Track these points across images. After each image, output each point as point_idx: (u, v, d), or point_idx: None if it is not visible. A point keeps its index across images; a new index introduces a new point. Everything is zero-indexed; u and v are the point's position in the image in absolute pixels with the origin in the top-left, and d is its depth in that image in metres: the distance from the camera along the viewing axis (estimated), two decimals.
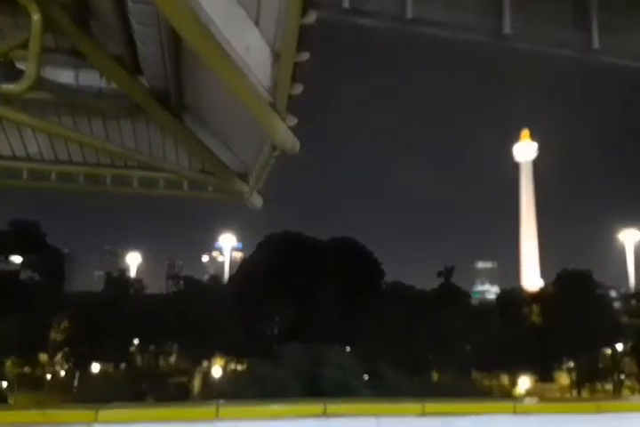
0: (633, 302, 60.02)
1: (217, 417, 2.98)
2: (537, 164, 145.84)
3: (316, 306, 49.60)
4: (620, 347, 58.30)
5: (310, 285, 52.26)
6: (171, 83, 5.29)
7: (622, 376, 57.27)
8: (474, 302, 72.89)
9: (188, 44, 3.74)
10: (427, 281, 68.75)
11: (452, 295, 60.38)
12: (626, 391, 55.18)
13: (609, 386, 56.84)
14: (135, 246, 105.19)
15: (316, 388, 26.70)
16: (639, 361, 55.91)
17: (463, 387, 49.52)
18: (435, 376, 55.93)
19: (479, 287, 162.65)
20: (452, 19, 6.51)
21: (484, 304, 71.13)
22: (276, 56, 3.87)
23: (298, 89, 4.03)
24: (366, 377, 32.82)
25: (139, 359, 58.75)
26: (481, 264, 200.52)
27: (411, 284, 64.36)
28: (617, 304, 61.30)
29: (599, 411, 3.51)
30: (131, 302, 54.57)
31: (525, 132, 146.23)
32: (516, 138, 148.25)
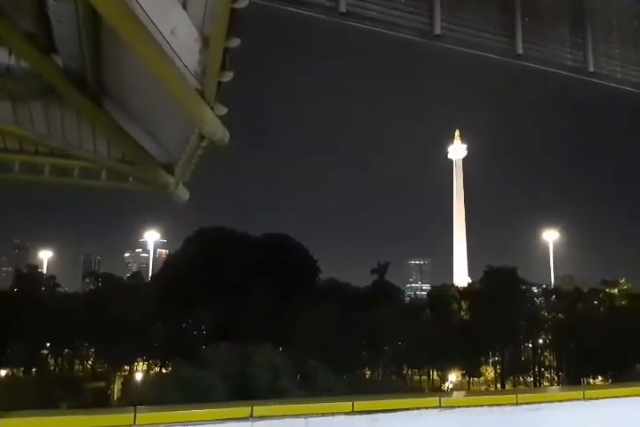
0: (553, 297, 64.20)
1: (135, 424, 2.90)
2: (468, 163, 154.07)
3: (246, 305, 49.28)
4: (540, 341, 62.36)
5: (240, 282, 51.83)
6: (88, 64, 5.03)
7: (542, 369, 61.32)
8: (407, 298, 75.15)
9: (108, 24, 3.58)
10: (361, 278, 70.17)
11: (385, 292, 61.96)
12: (545, 383, 59.14)
13: (530, 378, 60.66)
14: (48, 240, 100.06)
15: (245, 390, 26.56)
16: (558, 354, 60.04)
17: (395, 383, 51.11)
18: (367, 374, 57.28)
19: (412, 284, 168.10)
20: (385, 16, 6.65)
21: (417, 301, 73.51)
22: (205, 41, 3.78)
23: (228, 76, 3.96)
24: (298, 377, 33.02)
25: (51, 363, 56.02)
26: (414, 261, 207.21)
27: (345, 281, 65.42)
28: (539, 300, 65.33)
29: (518, 403, 3.75)
30: (42, 301, 51.84)
31: (457, 133, 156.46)
32: (450, 138, 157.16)
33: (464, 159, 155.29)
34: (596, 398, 4.02)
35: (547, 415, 3.83)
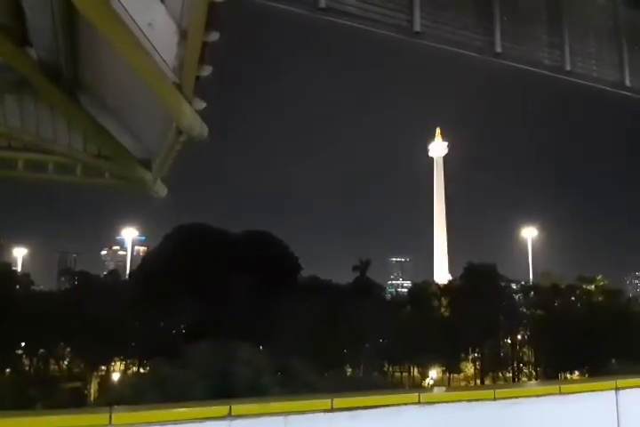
0: (532, 294, 65.25)
1: (110, 424, 2.86)
2: (449, 161, 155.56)
3: (227, 302, 49.07)
4: (519, 337, 63.39)
5: (221, 280, 51.56)
6: (64, 57, 4.95)
7: (521, 364, 62.36)
8: (388, 295, 75.60)
9: (84, 16, 3.52)
10: (343, 275, 70.40)
11: (366, 289, 62.25)
12: (523, 378, 60.16)
13: (509, 374, 61.64)
14: (22, 238, 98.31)
15: (225, 388, 26.45)
16: (536, 350, 61.11)
17: (376, 380, 51.40)
18: (349, 371, 57.52)
19: (394, 281, 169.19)
20: (365, 12, 6.66)
21: (398, 298, 74.00)
22: (183, 34, 3.74)
23: (207, 70, 3.93)
24: (279, 375, 33.00)
25: (26, 363, 55.12)
26: (395, 258, 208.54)
27: (327, 278, 65.52)
28: (517, 296, 66.34)
29: (496, 398, 3.81)
30: (17, 300, 50.95)
31: (438, 131, 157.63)
32: (431, 135, 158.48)
33: (445, 157, 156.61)
34: (572, 393, 4.10)
35: (524, 410, 3.90)
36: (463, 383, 60.95)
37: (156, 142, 5.44)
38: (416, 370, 62.68)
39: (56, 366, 56.40)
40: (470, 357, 63.25)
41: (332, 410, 3.41)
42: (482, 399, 3.80)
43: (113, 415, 2.86)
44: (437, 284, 71.86)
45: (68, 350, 55.82)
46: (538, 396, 4.01)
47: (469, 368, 63.60)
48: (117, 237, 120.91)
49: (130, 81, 4.35)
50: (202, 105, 4.09)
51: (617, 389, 4.18)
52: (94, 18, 3.21)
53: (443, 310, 63.47)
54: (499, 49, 7.60)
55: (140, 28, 3.29)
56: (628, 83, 8.80)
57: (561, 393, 4.04)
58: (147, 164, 5.99)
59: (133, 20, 3.22)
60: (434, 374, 62.37)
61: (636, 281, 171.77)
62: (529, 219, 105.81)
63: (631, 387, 4.26)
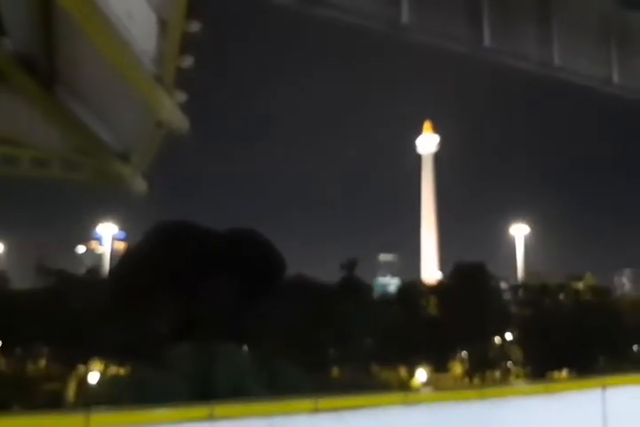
0: (520, 292, 65.90)
1: (88, 426, 2.84)
2: (439, 157, 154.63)
3: (210, 302, 48.82)
4: (508, 336, 64.01)
5: (203, 278, 51.28)
6: (39, 49, 4.88)
7: (509, 363, 62.97)
8: (376, 294, 75.72)
9: (60, 4, 3.47)
10: (330, 274, 70.40)
11: (354, 288, 62.30)
12: (512, 378, 60.80)
13: (497, 373, 62.23)
14: None
15: (207, 390, 26.36)
16: (525, 349, 61.74)
17: (363, 381, 51.56)
18: (335, 370, 57.58)
19: (381, 280, 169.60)
20: (353, 5, 6.66)
21: (386, 297, 74.19)
22: (163, 25, 3.71)
23: (188, 62, 3.90)
24: (263, 375, 32.95)
25: (1, 364, 54.39)
26: (383, 257, 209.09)
27: (314, 276, 65.41)
28: (506, 295, 66.91)
29: (482, 398, 3.85)
30: None
31: (428, 125, 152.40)
32: (419, 130, 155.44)
33: (434, 153, 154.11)
34: (559, 392, 4.16)
35: (511, 409, 3.95)
36: (451, 383, 61.46)
37: (135, 136, 5.39)
38: (403, 370, 62.97)
39: (32, 367, 55.72)
40: (458, 356, 63.74)
41: (316, 411, 3.41)
42: (469, 399, 3.84)
43: (91, 417, 2.84)
44: (425, 282, 72.22)
45: (45, 350, 55.16)
46: (525, 395, 4.07)
47: (457, 368, 64.11)
48: (96, 233, 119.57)
49: (108, 74, 4.30)
50: (182, 97, 4.07)
51: (604, 387, 4.25)
52: (71, 7, 3.17)
53: (431, 308, 63.84)
54: (487, 43, 7.65)
55: (118, 18, 3.25)
56: (615, 79, 8.93)
57: (548, 392, 4.09)
58: (126, 158, 5.93)
59: (112, 9, 3.18)
60: (422, 373, 62.78)
61: (625, 279, 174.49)
62: (518, 216, 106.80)
63: (618, 385, 4.34)
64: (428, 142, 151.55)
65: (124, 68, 3.69)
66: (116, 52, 3.50)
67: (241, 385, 27.93)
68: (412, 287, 67.11)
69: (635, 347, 58.95)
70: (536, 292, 64.66)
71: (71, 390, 50.70)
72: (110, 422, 2.92)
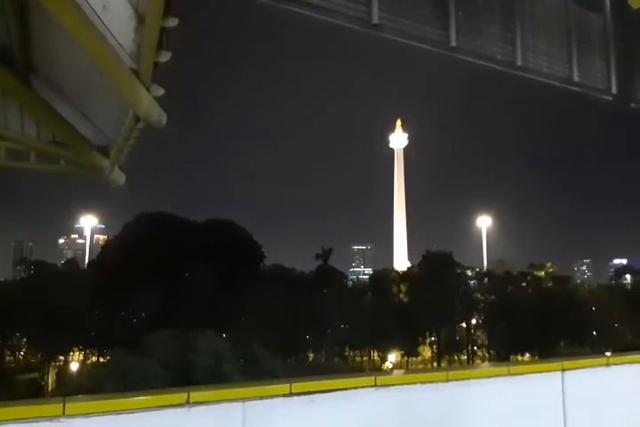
0: (485, 280, 67.25)
1: (64, 414, 2.78)
2: (409, 152, 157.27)
3: (188, 291, 48.53)
4: (473, 321, 65.37)
5: (182, 269, 50.93)
6: (15, 39, 4.72)
7: (475, 347, 64.37)
8: (349, 282, 76.34)
9: None
10: (306, 263, 70.62)
11: (329, 277, 62.74)
12: (477, 360, 62.12)
13: (464, 356, 63.55)
14: None
15: (186, 377, 26.24)
16: (489, 333, 63.15)
17: (336, 365, 52.02)
18: (310, 356, 57.99)
19: (355, 269, 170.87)
20: (323, 2, 6.60)
21: (359, 285, 74.87)
22: (141, 19, 3.62)
23: (165, 56, 3.82)
24: (241, 362, 32.93)
25: None
26: (357, 246, 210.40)
27: (290, 266, 65.61)
28: (472, 282, 68.24)
29: (448, 380, 3.91)
30: None
31: (399, 122, 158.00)
32: (392, 126, 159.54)
33: (405, 148, 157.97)
34: (520, 374, 4.24)
35: (475, 391, 4.01)
36: (421, 366, 62.44)
37: (114, 129, 5.28)
38: (376, 354, 63.78)
39: (11, 357, 54.71)
40: (427, 340, 64.83)
41: (290, 395, 3.41)
42: (435, 381, 3.89)
43: (67, 406, 2.78)
44: (397, 271, 73.03)
45: (24, 340, 54.23)
46: (488, 377, 4.13)
47: (427, 352, 65.20)
48: (76, 226, 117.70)
49: (85, 65, 4.19)
50: (160, 91, 3.99)
51: (563, 370, 4.34)
52: None
53: (402, 296, 64.71)
54: (454, 43, 7.67)
55: (94, 11, 3.16)
56: (575, 78, 9.08)
57: (510, 374, 4.17)
58: (104, 151, 5.80)
59: (87, 1, 3.09)
60: (393, 357, 63.70)
61: (583, 268, 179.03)
62: (484, 208, 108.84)
63: (576, 368, 4.44)
64: (398, 138, 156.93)
65: (100, 60, 3.60)
66: (93, 45, 3.40)
67: (218, 371, 27.88)
68: (384, 276, 67.89)
69: (592, 331, 60.79)
70: (500, 280, 66.06)
71: (50, 379, 49.95)
72: (86, 410, 2.86)
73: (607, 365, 4.65)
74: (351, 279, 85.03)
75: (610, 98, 9.59)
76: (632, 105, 9.80)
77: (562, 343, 56.95)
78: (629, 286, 72.78)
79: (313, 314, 52.18)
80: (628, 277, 76.80)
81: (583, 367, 4.50)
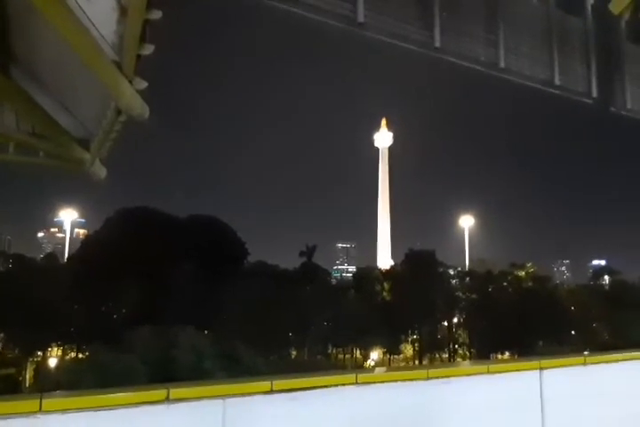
0: (467, 279, 67.89)
1: (40, 410, 2.74)
2: (394, 151, 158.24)
3: (170, 287, 48.17)
4: (455, 320, 66.00)
5: (164, 264, 50.50)
6: None
7: (456, 345, 65.00)
8: (333, 280, 76.45)
9: None
10: (290, 261, 70.63)
11: (313, 274, 62.78)
12: (458, 358, 62.74)
13: (445, 355, 64.15)
14: None
15: (167, 373, 26.09)
16: (470, 332, 63.82)
17: (319, 362, 52.17)
18: (293, 354, 58.03)
19: (339, 266, 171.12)
20: (314, 1, 6.59)
21: (343, 282, 75.03)
22: (124, 11, 3.56)
23: (148, 49, 3.77)
24: (223, 359, 32.83)
25: None
26: (341, 244, 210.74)
27: (274, 263, 65.47)
28: (454, 281, 68.83)
29: (429, 377, 3.94)
30: None
31: (384, 121, 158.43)
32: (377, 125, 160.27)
33: (390, 147, 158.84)
34: (499, 372, 4.29)
35: (455, 388, 4.05)
36: (402, 364, 62.83)
37: (95, 121, 5.20)
38: (358, 352, 64.03)
39: None
40: (409, 338, 65.27)
41: (271, 392, 3.41)
42: (415, 379, 3.92)
43: (43, 402, 2.74)
44: (380, 269, 73.35)
45: (1, 335, 53.36)
46: (468, 375, 4.17)
47: (408, 349, 65.64)
48: (55, 219, 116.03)
49: (67, 56, 4.11)
50: (143, 84, 3.94)
51: (541, 368, 4.40)
52: None
53: (385, 294, 65.02)
54: (438, 44, 7.71)
55: (76, 1, 3.11)
56: (557, 81, 9.19)
57: (489, 372, 4.21)
58: (85, 143, 5.72)
59: None
60: (375, 355, 64.02)
61: (563, 268, 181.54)
62: (467, 208, 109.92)
63: (553, 367, 4.50)
64: (383, 137, 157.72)
65: (82, 52, 3.54)
66: (75, 36, 3.35)
67: (199, 368, 27.76)
68: (367, 274, 68.13)
69: (570, 331, 61.73)
70: (481, 279, 66.71)
71: (28, 375, 49.26)
72: (64, 407, 2.82)
73: (584, 364, 4.73)
74: (335, 277, 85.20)
75: (590, 101, 9.72)
76: (612, 109, 9.94)
77: (541, 342, 57.75)
78: (607, 287, 74.02)
79: (296, 311, 52.19)
80: (606, 277, 78.07)
81: (561, 366, 4.57)
